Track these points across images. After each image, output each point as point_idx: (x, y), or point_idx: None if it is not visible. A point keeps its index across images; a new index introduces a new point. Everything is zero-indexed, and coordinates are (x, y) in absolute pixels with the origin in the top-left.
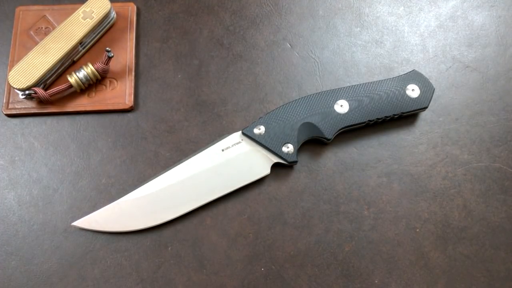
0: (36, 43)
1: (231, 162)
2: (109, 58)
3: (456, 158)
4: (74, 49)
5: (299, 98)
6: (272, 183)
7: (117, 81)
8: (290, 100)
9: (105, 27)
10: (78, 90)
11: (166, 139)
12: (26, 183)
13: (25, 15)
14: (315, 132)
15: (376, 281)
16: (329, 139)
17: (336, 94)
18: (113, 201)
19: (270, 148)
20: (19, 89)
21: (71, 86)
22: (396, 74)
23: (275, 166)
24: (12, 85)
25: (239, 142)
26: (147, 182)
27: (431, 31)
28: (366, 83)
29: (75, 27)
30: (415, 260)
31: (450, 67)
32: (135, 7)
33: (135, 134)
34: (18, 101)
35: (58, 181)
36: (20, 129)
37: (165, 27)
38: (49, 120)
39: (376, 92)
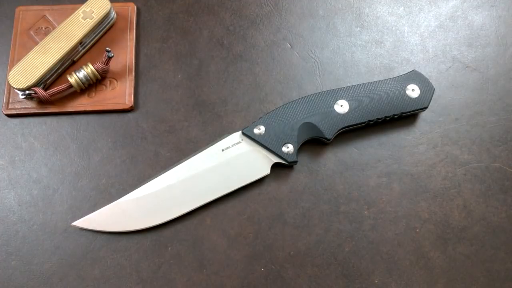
0: (36, 43)
1: (231, 162)
2: (109, 58)
3: (456, 158)
4: (74, 49)
5: (299, 98)
6: (272, 183)
7: (117, 81)
8: (290, 100)
9: (105, 27)
10: (78, 90)
11: (166, 139)
12: (26, 183)
13: (25, 15)
14: (315, 132)
15: (376, 281)
16: (329, 139)
17: (336, 94)
18: (113, 201)
19: (270, 148)
20: (19, 89)
21: (71, 86)
22: (396, 74)
23: (275, 166)
24: (12, 85)
25: (239, 142)
26: (147, 182)
27: (431, 31)
28: (366, 83)
29: (75, 27)
30: (415, 260)
31: (450, 67)
32: (135, 7)
33: (135, 134)
34: (18, 101)
35: (58, 181)
36: (20, 129)
37: (165, 27)
38: (49, 120)
39: (376, 92)
